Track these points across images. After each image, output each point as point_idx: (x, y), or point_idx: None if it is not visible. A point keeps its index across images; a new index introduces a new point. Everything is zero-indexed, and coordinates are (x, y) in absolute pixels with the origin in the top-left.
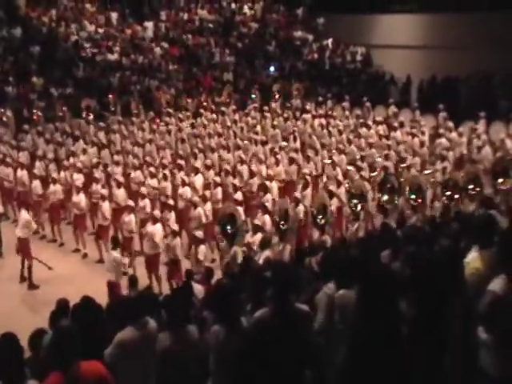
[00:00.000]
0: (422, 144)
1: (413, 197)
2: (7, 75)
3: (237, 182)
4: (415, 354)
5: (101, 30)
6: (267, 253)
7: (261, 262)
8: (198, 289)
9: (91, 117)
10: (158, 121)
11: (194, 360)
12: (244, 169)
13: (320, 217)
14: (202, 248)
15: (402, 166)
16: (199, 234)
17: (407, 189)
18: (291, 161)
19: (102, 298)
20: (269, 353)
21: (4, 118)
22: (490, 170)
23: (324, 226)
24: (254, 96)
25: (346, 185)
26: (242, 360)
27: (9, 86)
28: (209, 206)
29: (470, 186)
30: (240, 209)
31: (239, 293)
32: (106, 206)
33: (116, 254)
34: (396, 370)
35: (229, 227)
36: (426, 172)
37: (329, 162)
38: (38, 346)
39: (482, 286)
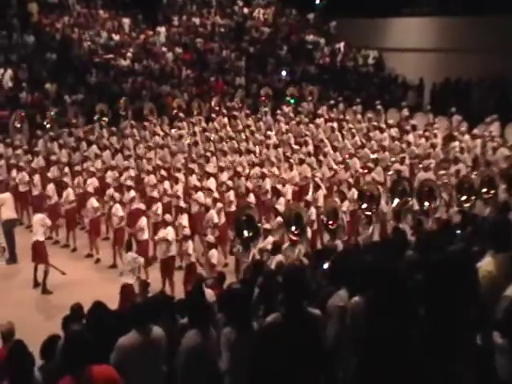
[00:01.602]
0: (434, 147)
1: (426, 204)
2: (21, 82)
3: (249, 184)
4: (426, 359)
5: (114, 36)
6: (279, 257)
7: (273, 266)
8: (209, 293)
9: (103, 121)
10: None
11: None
12: (256, 172)
13: (331, 222)
14: (214, 252)
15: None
16: (210, 238)
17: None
18: (301, 162)
19: (114, 303)
20: (281, 357)
21: (17, 124)
22: (504, 173)
23: (335, 230)
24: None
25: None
26: (254, 364)
27: (22, 92)
28: (221, 208)
29: (484, 190)
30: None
31: (250, 296)
32: (119, 209)
33: (132, 253)
34: (406, 375)
35: (246, 231)
36: (440, 172)
37: (340, 167)
38: (51, 353)
39: (494, 288)
